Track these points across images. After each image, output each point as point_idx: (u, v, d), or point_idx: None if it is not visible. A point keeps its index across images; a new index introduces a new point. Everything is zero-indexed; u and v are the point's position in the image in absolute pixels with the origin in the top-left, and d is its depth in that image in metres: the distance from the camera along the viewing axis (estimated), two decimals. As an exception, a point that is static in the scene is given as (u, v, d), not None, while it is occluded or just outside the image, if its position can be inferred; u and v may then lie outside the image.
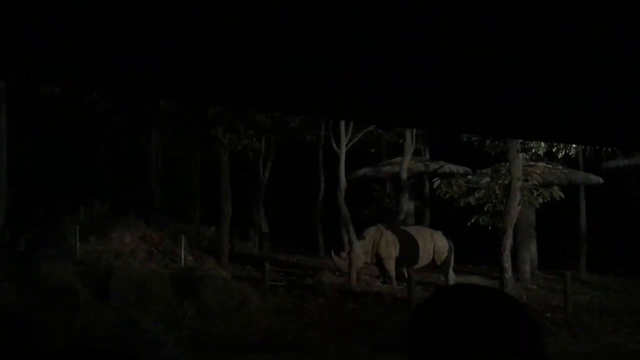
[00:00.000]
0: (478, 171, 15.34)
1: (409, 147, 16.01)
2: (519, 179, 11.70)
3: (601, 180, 15.86)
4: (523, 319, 0.94)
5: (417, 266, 14.09)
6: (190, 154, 19.86)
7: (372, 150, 19.66)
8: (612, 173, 17.56)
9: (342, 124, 14.72)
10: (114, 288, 9.75)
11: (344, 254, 13.88)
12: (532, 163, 14.96)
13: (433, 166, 18.01)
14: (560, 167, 15.28)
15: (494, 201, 12.55)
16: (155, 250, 11.42)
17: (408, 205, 18.73)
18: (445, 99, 1.39)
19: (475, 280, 15.36)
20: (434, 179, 13.61)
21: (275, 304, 10.96)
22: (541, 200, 12.95)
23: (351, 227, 13.81)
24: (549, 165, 14.97)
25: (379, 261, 13.97)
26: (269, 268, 12.51)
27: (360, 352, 9.70)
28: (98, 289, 9.76)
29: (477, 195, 12.73)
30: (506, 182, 12.16)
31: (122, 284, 9.80)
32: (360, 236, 13.89)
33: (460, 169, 17.65)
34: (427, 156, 20.21)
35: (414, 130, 16.70)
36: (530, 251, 17.71)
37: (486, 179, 13.10)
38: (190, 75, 1.30)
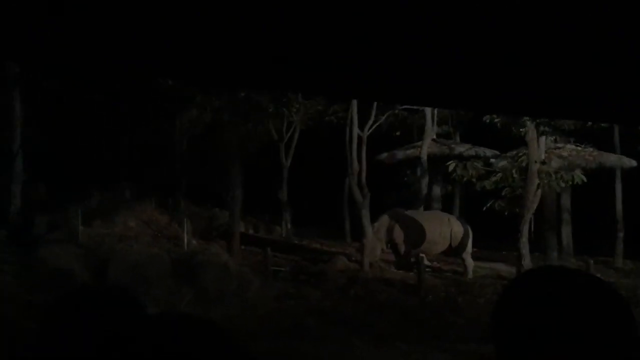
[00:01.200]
0: (502, 154, 14.68)
1: (429, 129, 15.46)
2: (536, 162, 11.05)
3: (635, 163, 14.90)
4: (615, 303, 0.91)
5: (433, 252, 13.66)
6: (220, 138, 19.88)
7: (397, 133, 19.15)
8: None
9: (355, 104, 14.31)
10: (112, 271, 9.78)
11: (358, 244, 13.60)
12: (560, 145, 14.21)
13: (459, 149, 17.37)
14: (590, 149, 14.44)
15: (511, 185, 11.93)
16: (160, 235, 11.40)
17: (434, 189, 18.20)
18: (461, 76, 1.41)
19: (500, 267, 14.78)
20: (449, 162, 13.03)
21: (278, 290, 10.78)
22: (563, 184, 12.21)
23: (364, 212, 13.48)
24: (577, 148, 14.17)
25: (393, 247, 13.60)
26: (274, 252, 12.30)
27: (360, 340, 9.41)
28: (97, 272, 9.81)
29: (493, 179, 12.12)
30: (524, 164, 11.52)
31: (121, 267, 9.80)
32: (374, 222, 13.55)
33: (488, 152, 16.97)
34: (458, 139, 19.57)
35: (435, 111, 16.15)
36: (565, 237, 17.05)
37: (503, 162, 12.47)
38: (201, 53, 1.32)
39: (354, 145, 14.00)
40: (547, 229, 14.63)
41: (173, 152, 19.51)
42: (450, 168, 12.76)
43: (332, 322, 9.90)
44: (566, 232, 17.26)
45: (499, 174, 12.12)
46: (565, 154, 13.59)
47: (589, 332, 0.88)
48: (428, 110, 15.47)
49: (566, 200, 17.31)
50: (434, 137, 18.73)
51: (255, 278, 10.82)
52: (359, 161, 17.23)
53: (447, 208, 18.72)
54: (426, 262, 14.82)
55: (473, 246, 17.60)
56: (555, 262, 15.03)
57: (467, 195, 17.54)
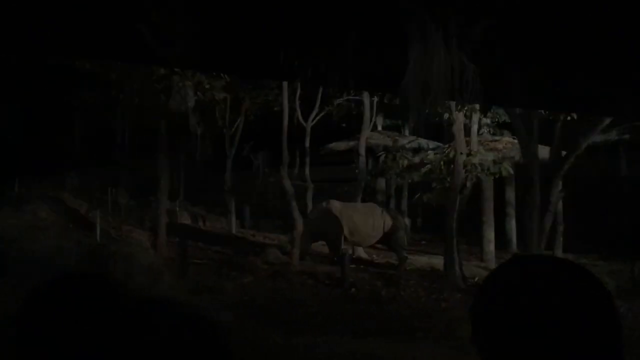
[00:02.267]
0: (440, 146, 14.54)
1: (367, 120, 15.20)
2: (461, 153, 10.88)
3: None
4: (591, 287, 0.89)
5: (366, 244, 13.46)
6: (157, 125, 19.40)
7: (343, 125, 18.89)
8: (593, 149, 16.57)
9: (286, 92, 14.03)
10: (14, 264, 9.31)
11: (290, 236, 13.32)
12: (496, 138, 14.14)
13: (402, 141, 17.17)
14: (527, 141, 14.35)
15: (440, 177, 11.77)
16: (72, 226, 10.95)
17: (379, 181, 18.02)
18: None
19: (437, 260, 14.66)
20: (380, 153, 12.81)
21: (194, 283, 10.44)
22: (490, 177, 12.10)
23: (294, 204, 13.20)
24: (513, 140, 14.07)
25: (326, 239, 13.34)
26: (208, 245, 11.98)
27: (274, 334, 9.15)
28: (-4, 265, 9.34)
29: (423, 170, 11.94)
30: (451, 156, 11.35)
31: (23, 261, 9.34)
32: (306, 214, 13.29)
33: (432, 144, 16.84)
34: (406, 132, 19.40)
35: (374, 100, 15.98)
36: (508, 230, 17.10)
37: (432, 154, 12.30)
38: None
39: (285, 135, 13.73)
40: (484, 222, 14.56)
41: (114, 141, 18.98)
42: (382, 159, 12.54)
43: (248, 315, 9.62)
44: (509, 225, 17.29)
45: (428, 166, 11.95)
46: (500, 146, 13.48)
47: (575, 322, 0.84)
48: (367, 101, 15.25)
49: (510, 194, 17.33)
50: (379, 128, 18.53)
51: (171, 271, 10.46)
52: (303, 152, 16.99)
53: (396, 201, 18.63)
54: (364, 255, 14.67)
55: (420, 239, 17.48)
56: (492, 255, 14.99)
57: (415, 188, 17.45)
